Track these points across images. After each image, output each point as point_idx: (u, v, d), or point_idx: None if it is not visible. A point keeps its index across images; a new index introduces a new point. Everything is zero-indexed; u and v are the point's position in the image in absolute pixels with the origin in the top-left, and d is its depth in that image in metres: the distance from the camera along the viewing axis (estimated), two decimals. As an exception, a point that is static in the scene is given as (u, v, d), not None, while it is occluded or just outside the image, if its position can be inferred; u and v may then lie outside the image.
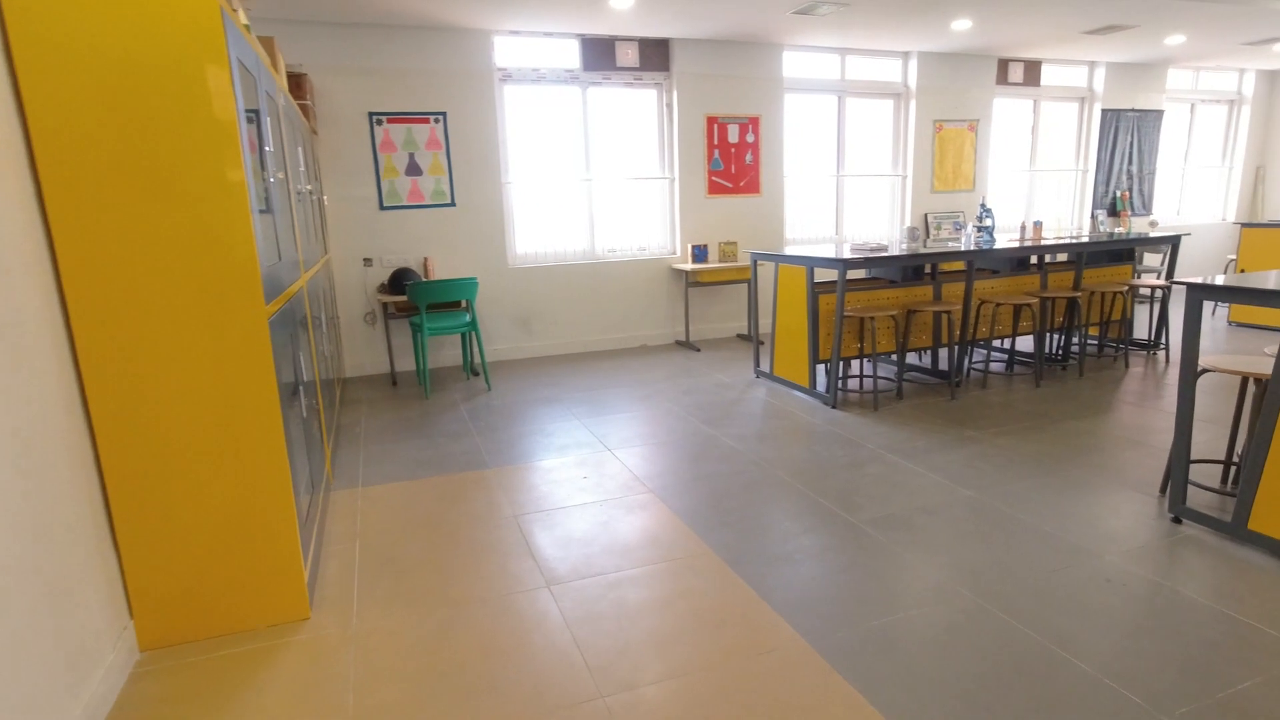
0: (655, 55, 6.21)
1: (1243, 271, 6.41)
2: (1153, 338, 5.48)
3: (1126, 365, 5.18)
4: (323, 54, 5.23)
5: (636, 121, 6.35)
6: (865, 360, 5.36)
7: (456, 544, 2.85)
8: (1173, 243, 5.36)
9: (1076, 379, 4.91)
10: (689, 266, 6.26)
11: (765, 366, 5.40)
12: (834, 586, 2.42)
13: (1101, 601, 2.28)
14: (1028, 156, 7.95)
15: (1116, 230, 6.38)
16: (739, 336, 6.86)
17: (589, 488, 3.37)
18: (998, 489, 3.17)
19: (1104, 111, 7.92)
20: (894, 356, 5.32)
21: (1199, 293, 2.65)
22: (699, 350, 6.30)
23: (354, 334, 5.71)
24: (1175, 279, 2.79)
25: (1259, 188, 9.11)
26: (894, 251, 4.56)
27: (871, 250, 4.65)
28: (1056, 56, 7.54)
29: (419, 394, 5.18)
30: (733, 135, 6.50)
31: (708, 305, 6.78)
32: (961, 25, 5.92)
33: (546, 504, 3.20)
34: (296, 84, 4.56)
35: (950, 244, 5.00)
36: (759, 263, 6.53)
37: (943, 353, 5.54)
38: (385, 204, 5.58)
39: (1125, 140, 8.10)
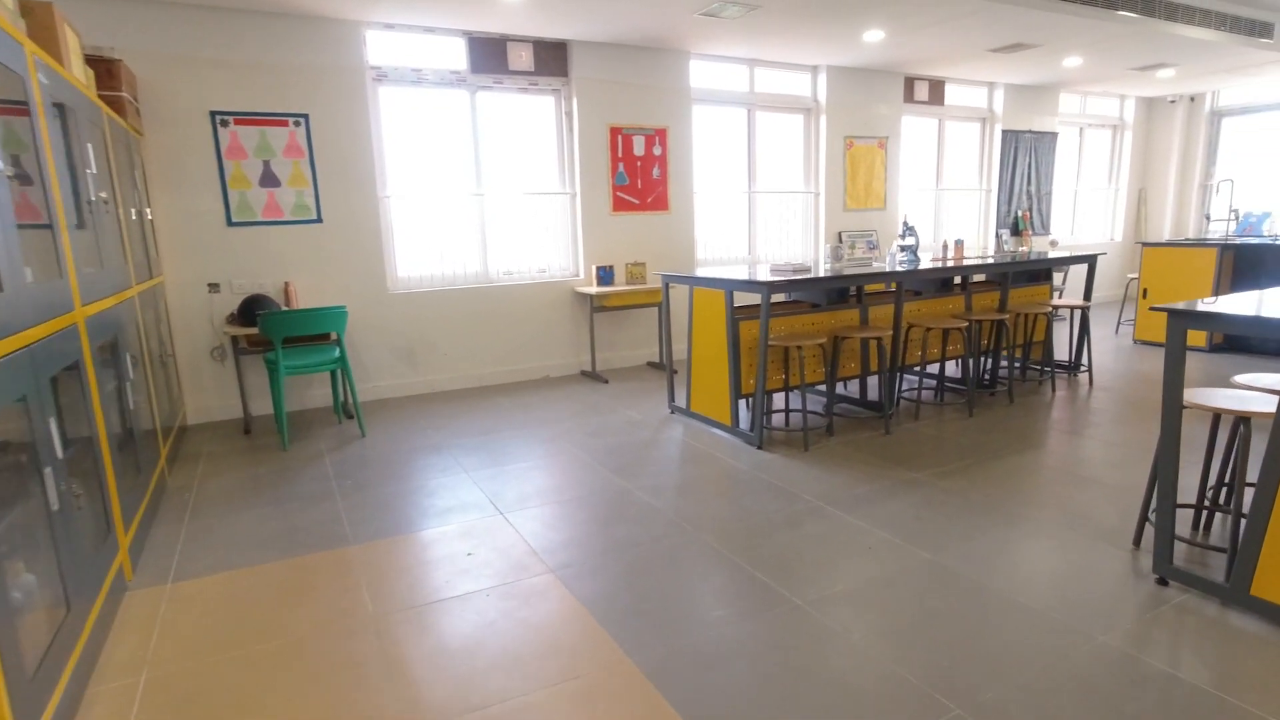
0: (552, 59, 5.65)
1: (1145, 290, 6.45)
2: (1073, 359, 5.34)
3: (1053, 389, 4.97)
4: (146, 38, 4.36)
5: (533, 131, 5.76)
6: (791, 392, 4.94)
7: (291, 667, 2.12)
8: (1090, 262, 5.24)
9: (1007, 405, 4.64)
10: (594, 290, 5.69)
11: (681, 401, 4.88)
12: (788, 709, 1.87)
13: (1117, 707, 1.82)
14: (934, 175, 7.88)
15: (1020, 249, 6.30)
16: (650, 365, 6.34)
17: (475, 568, 2.70)
18: (956, 548, 2.73)
19: (1004, 132, 7.97)
20: (821, 387, 4.92)
21: (1182, 320, 2.29)
22: (607, 382, 5.72)
23: (199, 372, 4.80)
24: (1158, 306, 2.37)
25: (1142, 209, 9.47)
26: (818, 272, 4.15)
27: (794, 271, 4.22)
28: (960, 76, 7.51)
29: (277, 444, 4.34)
30: (638, 148, 6.01)
31: (615, 332, 6.23)
32: (874, 36, 5.68)
33: (420, 596, 2.52)
34: (107, 71, 3.71)
35: (876, 264, 4.66)
36: (671, 285, 6.07)
37: (871, 381, 5.19)
38: (235, 219, 4.73)
39: (1024, 161, 8.18)
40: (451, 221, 5.54)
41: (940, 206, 7.97)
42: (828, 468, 3.63)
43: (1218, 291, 5.99)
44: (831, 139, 6.93)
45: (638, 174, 6.05)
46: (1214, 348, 6.06)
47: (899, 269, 4.29)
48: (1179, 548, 2.66)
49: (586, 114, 5.77)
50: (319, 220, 4.97)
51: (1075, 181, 9.07)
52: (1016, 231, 8.26)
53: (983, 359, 5.07)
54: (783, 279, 3.83)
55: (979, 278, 5.29)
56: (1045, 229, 8.51)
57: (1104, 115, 9.06)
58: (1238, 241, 5.94)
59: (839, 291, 4.61)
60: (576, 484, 3.52)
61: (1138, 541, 2.70)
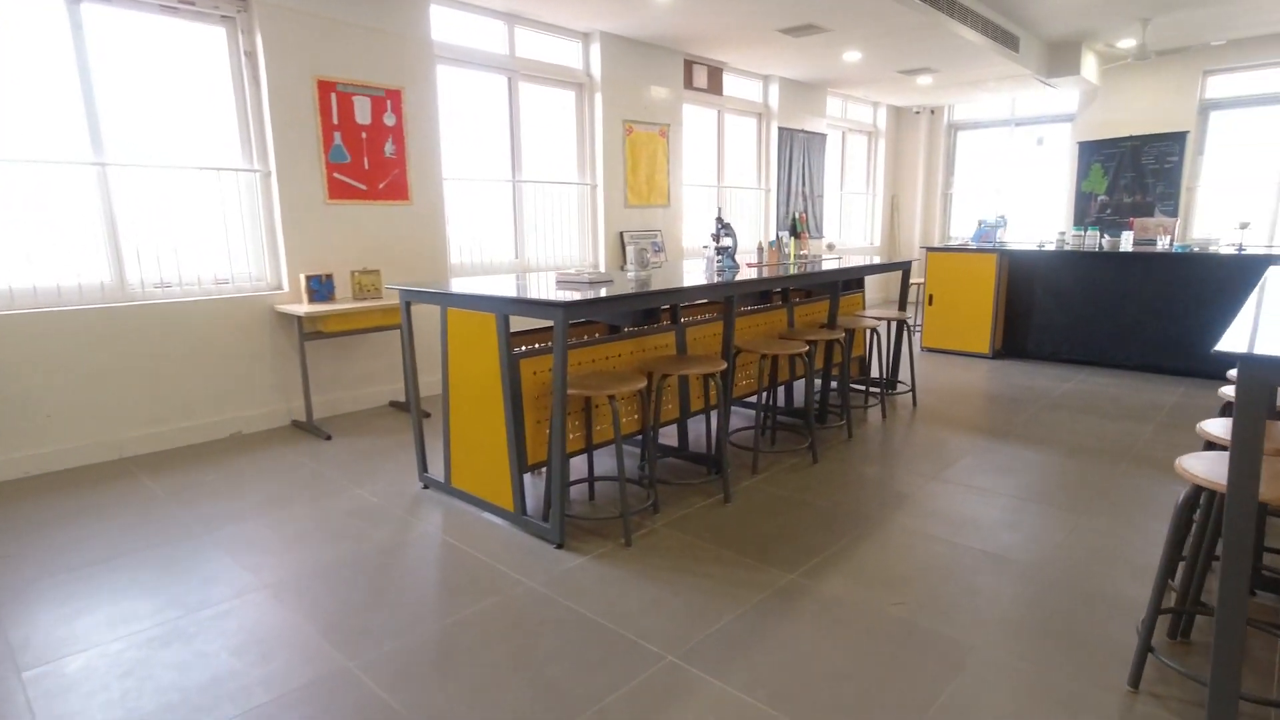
0: (220, -29, 3.85)
1: (931, 297, 6.25)
2: (889, 376, 4.79)
3: (884, 414, 4.33)
4: None
5: (193, 76, 3.90)
6: (595, 451, 3.70)
7: None
8: (905, 267, 4.72)
9: (846, 442, 3.85)
10: (304, 309, 3.99)
11: (438, 469, 3.42)
12: None
13: None
14: (715, 172, 7.20)
15: (802, 253, 5.75)
16: (394, 405, 4.74)
17: None
18: (909, 738, 1.68)
19: (780, 130, 7.53)
20: (635, 437, 3.76)
21: (1262, 371, 1.41)
22: (329, 438, 4.05)
23: None
24: (1224, 351, 1.35)
25: (895, 215, 9.78)
26: (623, 285, 2.97)
27: (591, 283, 3.00)
28: (739, 64, 6.89)
29: None
30: (363, 113, 4.40)
31: (342, 364, 4.55)
32: (662, -7, 4.67)
33: None
34: None
35: (688, 274, 3.60)
36: (415, 304, 4.51)
37: (691, 423, 4.13)
38: None
39: (799, 161, 7.85)
40: (53, 205, 3.50)
41: (723, 205, 7.31)
42: (666, 575, 2.45)
43: (999, 298, 5.92)
44: (609, 122, 5.86)
45: (364, 150, 4.43)
46: (995, 354, 6.00)
47: (719, 279, 3.26)
48: (1156, 670, 1.87)
49: (281, 59, 4.03)
50: None
51: (840, 186, 9.05)
52: (795, 233, 7.88)
53: (797, 383, 4.28)
54: (583, 296, 2.59)
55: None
56: (819, 232, 8.29)
57: (861, 122, 9.14)
58: (1014, 248, 5.91)
59: (644, 311, 3.49)
60: (247, 675, 1.95)
61: (1136, 681, 1.86)
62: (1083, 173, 8.24)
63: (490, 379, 2.78)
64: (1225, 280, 5.04)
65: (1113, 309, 5.51)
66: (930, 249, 6.14)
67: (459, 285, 3.04)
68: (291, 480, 3.39)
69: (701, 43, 6.04)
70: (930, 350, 6.29)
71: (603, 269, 5.99)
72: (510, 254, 5.56)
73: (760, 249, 4.17)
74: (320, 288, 4.18)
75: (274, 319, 4.21)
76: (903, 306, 4.71)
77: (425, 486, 3.29)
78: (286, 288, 4.24)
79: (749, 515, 2.95)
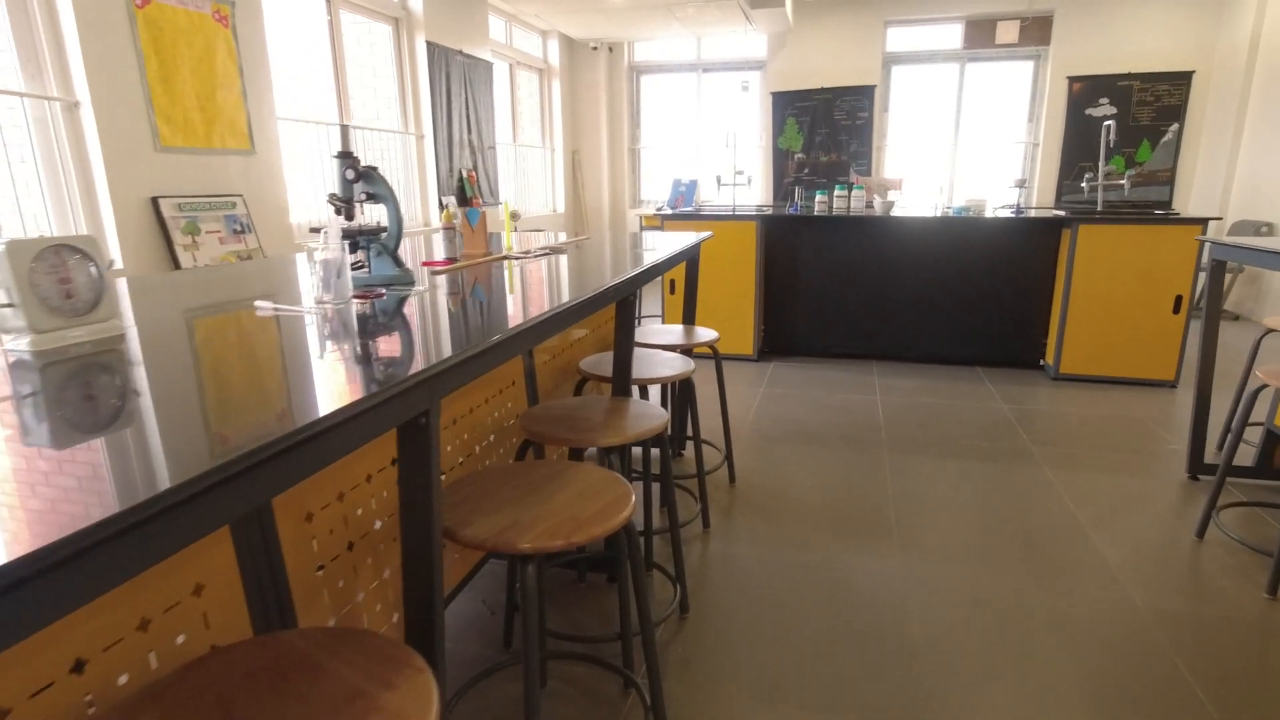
0: None
1: (673, 282, 4.56)
2: (675, 432, 2.93)
3: (706, 523, 2.42)
4: None
5: None
6: None
7: None
8: (690, 258, 2.84)
9: (681, 631, 1.86)
10: None
11: None
12: None
13: None
14: (336, 103, 4.56)
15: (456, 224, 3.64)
16: None
17: None
18: None
19: (430, 48, 5.14)
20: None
21: None
22: None
23: None
24: None
25: (578, 175, 8.03)
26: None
27: None
28: (353, -73, 4.31)
29: None
30: None
31: None
32: None
33: None
34: None
35: (281, 305, 1.21)
36: None
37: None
38: None
39: (460, 99, 5.55)
40: None
41: (356, 146, 4.71)
42: None
43: (760, 281, 4.47)
44: (92, -23, 2.92)
45: None
46: (760, 355, 4.57)
47: (351, 309, 0.99)
48: None
49: None
50: None
51: (513, 137, 6.96)
52: (465, 199, 5.64)
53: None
54: None
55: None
56: (495, 196, 6.14)
57: (531, 55, 7.12)
58: (769, 214, 4.47)
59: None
60: None
61: None
62: (778, 128, 7.37)
63: None
64: (1015, 248, 4.19)
65: (891, 289, 4.41)
66: (667, 216, 4.43)
67: None
68: None
69: None
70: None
71: (118, 282, 3.11)
72: None
73: (453, 231, 1.92)
74: None
75: None
76: (690, 316, 2.85)
77: None
78: None
79: None
